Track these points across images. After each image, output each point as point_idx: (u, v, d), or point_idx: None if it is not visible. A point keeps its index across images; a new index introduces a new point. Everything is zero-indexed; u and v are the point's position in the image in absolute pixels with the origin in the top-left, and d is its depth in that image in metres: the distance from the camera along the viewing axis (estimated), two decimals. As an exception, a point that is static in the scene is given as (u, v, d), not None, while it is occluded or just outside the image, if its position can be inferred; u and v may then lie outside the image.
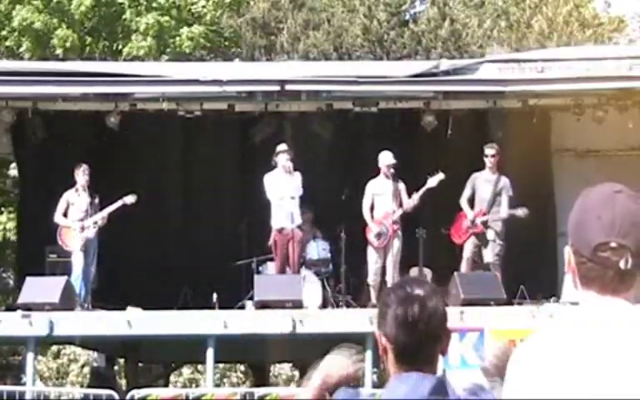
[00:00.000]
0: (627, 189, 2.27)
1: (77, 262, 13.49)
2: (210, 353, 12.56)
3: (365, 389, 12.29)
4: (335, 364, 3.25)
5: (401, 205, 13.42)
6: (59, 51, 23.47)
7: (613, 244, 2.18)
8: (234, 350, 14.47)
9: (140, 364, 18.29)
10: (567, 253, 2.28)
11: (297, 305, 12.76)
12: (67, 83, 14.46)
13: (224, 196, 15.77)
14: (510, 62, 14.97)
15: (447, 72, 14.72)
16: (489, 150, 13.67)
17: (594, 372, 2.11)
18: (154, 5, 24.47)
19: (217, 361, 12.98)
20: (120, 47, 24.39)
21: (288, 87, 14.26)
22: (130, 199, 13.61)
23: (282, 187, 13.29)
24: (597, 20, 29.83)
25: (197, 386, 23.19)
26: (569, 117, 14.76)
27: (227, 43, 27.29)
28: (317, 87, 14.54)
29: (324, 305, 13.63)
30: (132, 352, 16.89)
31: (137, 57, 23.76)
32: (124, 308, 13.43)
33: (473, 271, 13.52)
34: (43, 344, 19.46)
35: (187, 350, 14.83)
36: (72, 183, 13.67)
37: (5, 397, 12.45)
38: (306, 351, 14.94)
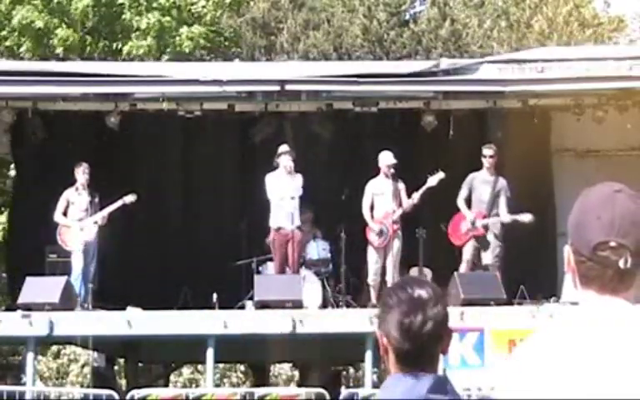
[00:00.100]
0: (626, 189, 2.27)
1: (77, 262, 13.49)
2: (210, 353, 12.56)
3: (365, 389, 12.31)
4: None
5: (401, 205, 13.41)
6: (59, 50, 23.45)
7: (613, 243, 2.18)
8: (234, 350, 14.46)
9: (140, 364, 18.28)
10: (567, 252, 2.28)
11: (297, 305, 12.76)
12: (67, 83, 14.45)
13: (224, 196, 15.77)
14: (510, 63, 14.95)
15: (447, 72, 14.72)
16: (487, 151, 13.64)
17: (594, 371, 2.11)
18: (155, 5, 24.46)
19: (217, 361, 12.98)
20: (120, 46, 24.38)
21: (288, 87, 14.25)
22: (130, 198, 13.61)
23: (283, 188, 13.29)
24: (596, 20, 29.82)
25: (197, 386, 23.20)
26: (569, 117, 14.76)
27: (227, 43, 27.27)
28: (317, 87, 14.54)
29: (324, 305, 13.63)
30: (132, 352, 16.89)
31: (137, 56, 23.76)
32: (124, 308, 13.43)
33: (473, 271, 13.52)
34: (43, 344, 19.47)
35: (187, 350, 14.83)
36: (72, 182, 13.67)
37: (5, 397, 12.45)
38: (306, 351, 15.01)
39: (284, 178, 13.31)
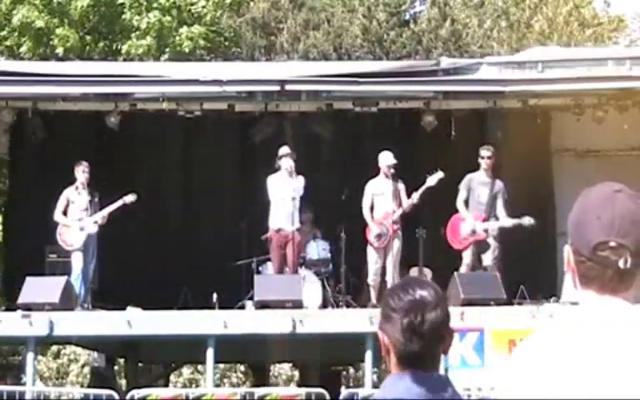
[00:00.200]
0: (626, 189, 2.27)
1: (77, 261, 13.49)
2: (210, 353, 12.56)
3: (365, 389, 12.31)
4: None
5: (401, 205, 13.40)
6: (60, 50, 23.45)
7: (613, 243, 2.19)
8: (234, 350, 14.46)
9: (140, 364, 18.27)
10: (567, 252, 2.28)
11: (297, 305, 12.75)
12: (67, 83, 14.46)
13: (224, 196, 15.78)
14: (510, 64, 14.95)
15: (447, 72, 14.72)
16: (485, 152, 13.60)
17: (594, 371, 2.11)
18: (155, 5, 24.46)
19: (217, 361, 12.97)
20: (119, 46, 24.38)
21: (288, 87, 14.26)
22: (130, 198, 13.60)
23: (284, 189, 13.28)
24: (596, 20, 29.82)
25: (197, 386, 23.19)
26: (569, 117, 14.76)
27: (227, 43, 27.27)
28: (317, 87, 14.54)
29: (324, 305, 13.63)
30: (132, 352, 16.88)
31: (136, 56, 23.76)
32: (124, 308, 13.43)
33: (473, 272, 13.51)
34: (43, 344, 19.46)
35: (187, 350, 14.83)
36: (71, 182, 13.65)
37: (5, 397, 12.43)
38: (306, 351, 15.00)
39: (285, 180, 13.30)
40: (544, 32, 27.92)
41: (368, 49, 27.31)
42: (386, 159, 13.36)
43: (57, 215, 13.61)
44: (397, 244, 13.35)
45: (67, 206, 13.64)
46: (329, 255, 14.28)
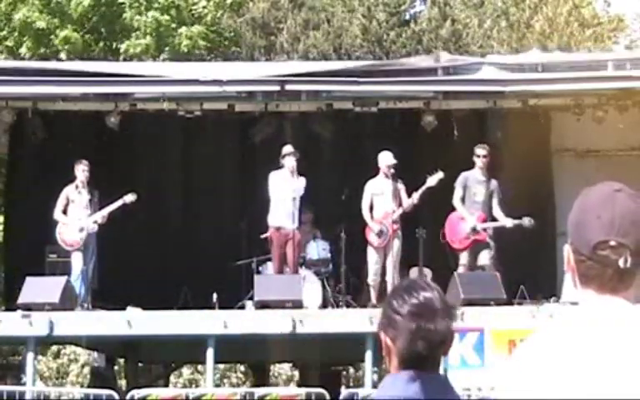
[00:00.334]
0: (626, 188, 2.27)
1: (77, 261, 13.48)
2: (210, 353, 12.56)
3: (365, 389, 12.31)
4: None
5: (400, 205, 13.40)
6: (63, 55, 23.45)
7: (613, 243, 2.19)
8: (234, 350, 14.47)
9: (140, 364, 18.28)
10: (567, 252, 2.28)
11: (297, 305, 12.75)
12: (67, 83, 14.45)
13: (224, 196, 15.77)
14: (510, 66, 14.94)
15: (447, 72, 14.71)
16: (480, 150, 13.58)
17: (594, 371, 2.11)
18: (155, 5, 24.46)
19: (217, 361, 12.97)
20: (118, 45, 24.38)
21: (288, 87, 14.25)
22: (130, 198, 13.59)
23: (286, 188, 13.27)
24: (596, 20, 29.82)
25: (197, 386, 23.20)
26: (569, 117, 14.76)
27: (226, 43, 27.27)
28: (317, 87, 14.54)
29: (324, 305, 13.63)
30: (132, 352, 16.89)
31: (135, 55, 23.76)
32: (124, 308, 13.43)
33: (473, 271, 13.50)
34: (43, 344, 19.46)
35: (187, 350, 14.83)
36: (71, 180, 13.64)
37: (5, 397, 12.43)
38: (306, 351, 15.01)
39: (287, 179, 13.29)
40: (544, 32, 27.91)
41: (368, 49, 27.30)
42: (385, 159, 13.36)
43: (57, 214, 13.60)
44: (397, 244, 13.35)
45: (66, 205, 13.63)
46: (329, 255, 14.28)
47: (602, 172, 12.68)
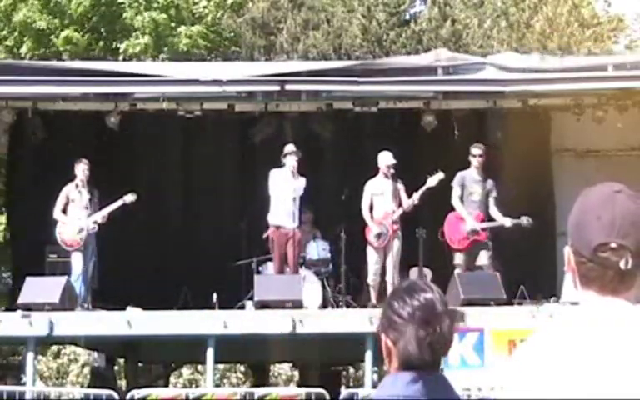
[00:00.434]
0: (626, 189, 2.27)
1: (77, 262, 13.48)
2: (210, 353, 12.56)
3: (365, 389, 12.31)
4: None
5: (400, 205, 13.40)
6: (62, 50, 23.45)
7: (613, 244, 2.19)
8: (234, 350, 14.47)
9: (140, 364, 18.28)
10: (567, 253, 2.28)
11: (297, 305, 12.75)
12: (67, 83, 14.45)
13: (224, 196, 15.77)
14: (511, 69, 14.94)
15: (447, 72, 14.71)
16: (476, 150, 13.57)
17: (594, 372, 2.11)
18: (154, 5, 24.46)
19: (217, 361, 12.97)
20: (118, 45, 24.38)
21: (288, 87, 14.25)
22: (130, 198, 13.58)
23: (286, 188, 13.27)
24: (596, 19, 29.82)
25: (197, 386, 23.20)
26: (569, 117, 14.77)
27: (226, 43, 27.28)
28: (317, 87, 14.55)
29: (324, 305, 13.62)
30: (132, 352, 16.89)
31: (134, 55, 23.75)
32: (124, 308, 13.43)
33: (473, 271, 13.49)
34: (43, 344, 19.47)
35: (187, 350, 14.83)
36: (71, 180, 13.63)
37: (5, 397, 12.43)
38: (306, 351, 15.00)
39: (288, 179, 13.29)
40: (544, 32, 27.91)
41: (368, 49, 27.30)
42: (385, 159, 13.35)
43: (57, 213, 13.59)
44: (397, 244, 13.35)
45: (66, 204, 13.62)
46: (329, 255, 14.28)
47: (602, 173, 12.70)
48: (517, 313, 12.56)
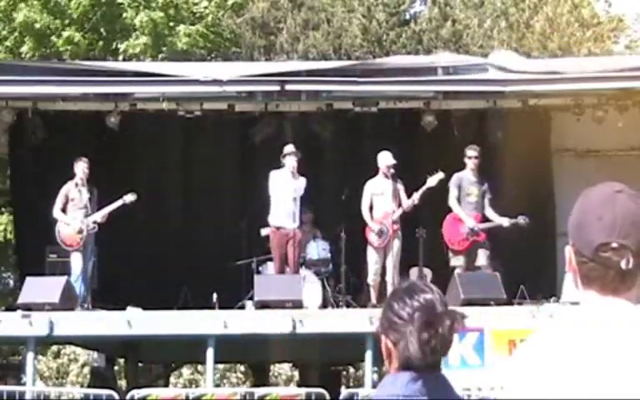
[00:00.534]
0: (627, 189, 2.27)
1: (77, 262, 13.48)
2: (210, 353, 12.55)
3: (365, 389, 12.30)
4: None
5: (400, 205, 13.40)
6: (63, 50, 23.45)
7: (614, 244, 2.19)
8: (234, 350, 14.46)
9: (140, 364, 18.28)
10: (568, 253, 2.28)
11: (297, 305, 12.75)
12: (67, 83, 14.46)
13: (224, 196, 15.77)
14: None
15: (447, 72, 14.72)
16: (472, 152, 13.56)
17: (595, 372, 2.11)
18: (153, 4, 24.46)
19: (217, 361, 12.97)
20: (117, 45, 24.38)
21: (288, 87, 14.26)
22: (130, 198, 13.58)
23: (286, 188, 13.27)
24: (596, 19, 29.82)
25: (197, 386, 23.20)
26: (569, 117, 14.77)
27: (226, 43, 27.28)
28: (317, 87, 14.55)
29: (324, 305, 13.62)
30: (132, 352, 16.89)
31: (134, 55, 23.75)
32: (124, 308, 13.43)
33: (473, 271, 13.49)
34: (43, 344, 19.47)
35: (187, 350, 14.83)
36: (71, 179, 13.62)
37: (5, 397, 12.44)
38: (306, 351, 15.00)
39: (288, 179, 13.29)
40: (544, 32, 27.92)
41: (368, 49, 27.31)
42: (385, 159, 13.35)
43: (56, 212, 13.57)
44: (397, 244, 13.35)
45: (66, 203, 13.60)
46: (329, 255, 14.28)
47: (602, 172, 12.70)
48: (517, 313, 12.55)
